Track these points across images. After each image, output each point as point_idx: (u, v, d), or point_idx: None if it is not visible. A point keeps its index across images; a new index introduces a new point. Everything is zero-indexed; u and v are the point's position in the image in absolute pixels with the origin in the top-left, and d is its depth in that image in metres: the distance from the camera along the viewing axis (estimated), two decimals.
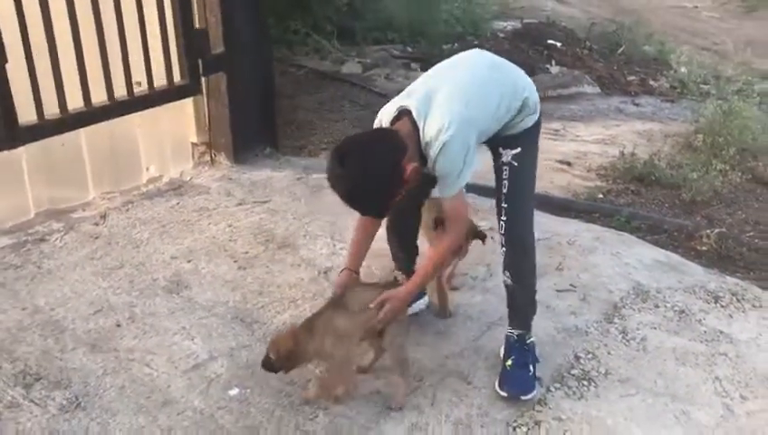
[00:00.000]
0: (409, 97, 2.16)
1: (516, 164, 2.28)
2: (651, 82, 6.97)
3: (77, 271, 2.77)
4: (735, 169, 4.51)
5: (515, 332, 2.34)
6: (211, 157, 3.48)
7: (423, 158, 2.12)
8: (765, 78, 7.47)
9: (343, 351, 2.06)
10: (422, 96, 2.13)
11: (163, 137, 3.30)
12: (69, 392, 2.13)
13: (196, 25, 2.96)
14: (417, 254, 2.60)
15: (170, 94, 2.99)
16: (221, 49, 3.03)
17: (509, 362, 2.29)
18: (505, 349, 2.34)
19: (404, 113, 2.13)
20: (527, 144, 2.34)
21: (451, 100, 2.10)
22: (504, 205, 2.28)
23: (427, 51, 7.12)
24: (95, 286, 2.68)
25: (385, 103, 2.27)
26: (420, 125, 2.09)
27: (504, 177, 2.28)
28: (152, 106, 2.99)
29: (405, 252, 2.61)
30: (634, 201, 4.13)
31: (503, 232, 2.30)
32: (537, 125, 2.35)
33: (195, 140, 3.46)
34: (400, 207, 2.25)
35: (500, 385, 2.24)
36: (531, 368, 2.28)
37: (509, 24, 9.57)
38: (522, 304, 2.37)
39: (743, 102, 5.31)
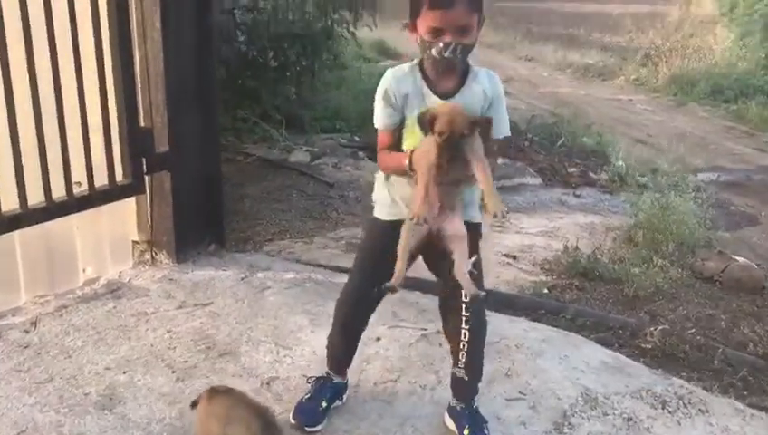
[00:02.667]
0: None
1: (476, 272, 2.28)
2: (591, 175, 7.19)
3: (1, 386, 2.59)
4: (675, 265, 4.63)
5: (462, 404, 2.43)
6: (152, 256, 3.37)
7: None
8: (697, 171, 7.83)
9: None
10: None
11: (102, 236, 3.17)
12: None
13: (142, 124, 2.92)
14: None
15: (112, 194, 2.90)
16: (165, 148, 2.99)
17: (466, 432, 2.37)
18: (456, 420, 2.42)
19: None
20: (478, 248, 2.35)
21: None
22: (466, 314, 2.28)
23: (373, 139, 7.21)
24: (20, 404, 2.50)
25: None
26: None
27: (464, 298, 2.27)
28: (92, 207, 2.90)
29: (348, 355, 2.55)
30: (579, 297, 4.17)
31: (466, 340, 2.30)
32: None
33: (136, 238, 3.36)
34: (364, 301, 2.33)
35: None
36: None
37: None
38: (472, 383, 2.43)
39: (679, 198, 5.51)
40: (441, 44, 2.05)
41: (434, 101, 2.16)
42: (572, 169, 7.24)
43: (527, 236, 5.12)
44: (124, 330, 2.97)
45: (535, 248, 4.85)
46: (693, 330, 3.83)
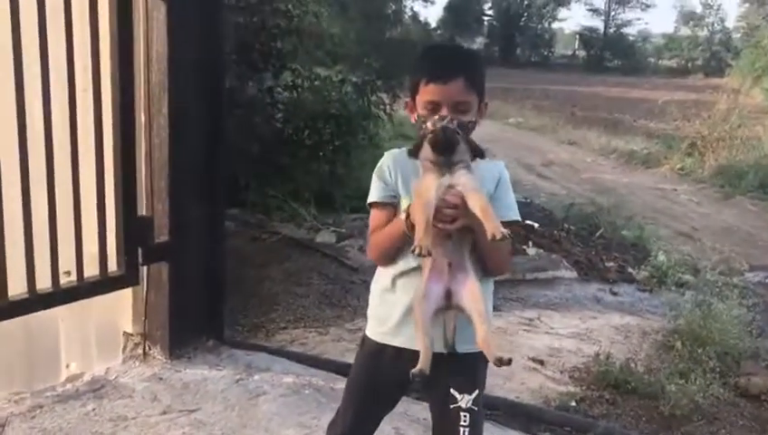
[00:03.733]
0: None
1: (476, 409, 2.02)
2: (630, 270, 6.85)
3: None
4: (717, 380, 4.24)
5: None
6: (144, 350, 3.17)
7: None
8: (744, 271, 7.41)
9: None
10: None
11: (90, 328, 2.97)
12: None
13: (141, 213, 2.77)
14: None
15: (102, 286, 2.73)
16: (165, 238, 2.84)
17: None
18: None
19: None
20: (482, 380, 2.09)
21: None
22: None
23: None
24: None
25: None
26: None
27: (464, 423, 2.00)
28: (80, 299, 2.73)
29: None
30: (609, 412, 3.82)
31: None
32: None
33: (129, 329, 3.17)
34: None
35: None
36: None
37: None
38: None
39: (722, 303, 5.15)
40: (436, 116, 1.92)
41: None
42: (610, 264, 6.91)
43: (557, 338, 4.80)
44: None
45: (564, 353, 4.53)
46: None
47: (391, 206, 2.02)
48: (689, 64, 45.60)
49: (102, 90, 2.52)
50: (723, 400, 4.07)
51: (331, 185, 7.90)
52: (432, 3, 55.75)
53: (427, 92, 1.94)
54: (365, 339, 2.16)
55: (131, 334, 3.14)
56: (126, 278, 2.73)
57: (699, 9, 46.78)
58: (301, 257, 6.19)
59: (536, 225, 7.40)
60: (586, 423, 3.54)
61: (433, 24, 39.71)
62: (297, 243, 6.53)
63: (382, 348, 2.06)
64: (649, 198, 11.83)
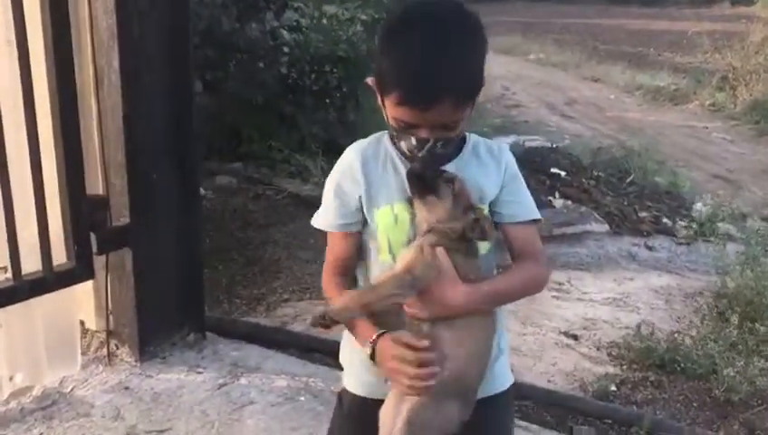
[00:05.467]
0: None
1: None
2: (665, 220, 6.31)
3: None
4: None
5: None
6: (109, 352, 2.69)
7: None
8: None
9: None
10: None
11: (39, 328, 2.45)
12: None
13: (94, 191, 2.26)
14: None
15: (46, 283, 2.23)
16: (126, 220, 2.34)
17: None
18: None
19: None
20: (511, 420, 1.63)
21: None
22: None
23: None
24: None
25: None
26: None
27: None
28: (19, 301, 2.26)
29: None
30: (654, 397, 3.37)
31: None
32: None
33: (92, 325, 2.70)
34: None
35: None
36: None
37: (510, 140, 9.11)
38: None
39: None
40: (414, 140, 1.41)
41: None
42: (644, 214, 6.36)
43: (591, 306, 4.31)
44: None
45: (600, 324, 4.06)
46: None
47: (355, 230, 1.55)
48: None
49: (31, 40, 1.98)
50: None
51: (340, 134, 7.35)
52: None
53: (399, 112, 1.39)
54: (343, 395, 1.70)
55: (96, 331, 2.68)
56: (77, 272, 2.23)
57: None
58: (306, 216, 5.68)
59: (563, 173, 6.84)
60: (630, 416, 3.08)
61: None
62: (303, 200, 6.05)
63: (369, 403, 1.57)
64: (679, 138, 11.18)
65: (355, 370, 1.64)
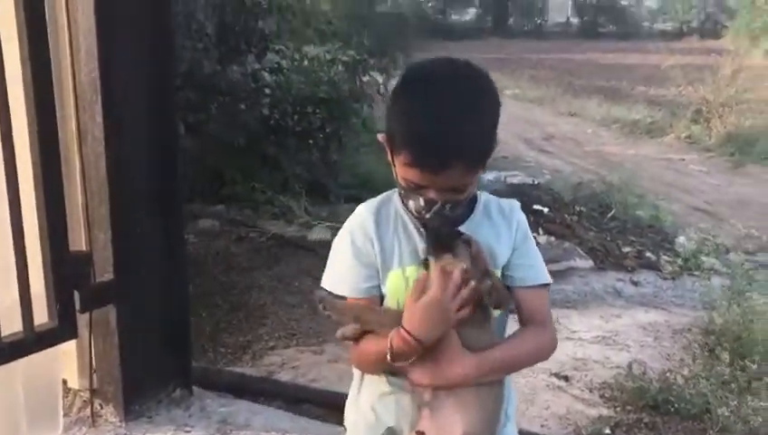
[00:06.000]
0: None
1: None
2: (648, 255, 6.33)
3: None
4: (766, 389, 3.74)
5: None
6: (92, 411, 2.59)
7: None
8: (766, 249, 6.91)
9: None
10: None
11: (18, 390, 2.32)
12: None
13: (77, 247, 2.19)
14: None
15: (28, 345, 2.13)
16: (110, 275, 2.28)
17: None
18: None
19: None
20: None
21: None
22: None
23: None
24: None
25: None
26: None
27: None
28: None
29: None
30: None
31: None
32: None
33: (75, 384, 2.61)
34: None
35: None
36: None
37: (491, 177, 9.16)
38: None
39: (760, 295, 4.61)
40: (422, 201, 1.39)
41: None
42: (627, 249, 6.39)
43: (580, 345, 4.29)
44: None
45: (591, 364, 4.03)
46: None
47: (378, 293, 1.50)
48: (684, 27, 44.85)
49: (12, 96, 1.93)
50: None
51: (323, 174, 7.35)
52: None
53: (409, 173, 1.37)
54: None
55: (79, 391, 2.59)
56: (59, 331, 2.15)
57: None
58: (292, 259, 5.67)
59: (545, 209, 6.87)
60: None
61: None
62: (288, 242, 6.01)
63: None
64: (658, 171, 11.33)
65: (360, 433, 1.59)
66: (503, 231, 1.51)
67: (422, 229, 1.44)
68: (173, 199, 2.42)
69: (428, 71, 1.40)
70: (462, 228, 1.46)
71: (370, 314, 1.43)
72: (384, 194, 1.57)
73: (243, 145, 6.89)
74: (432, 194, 1.37)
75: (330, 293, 1.50)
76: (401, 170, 1.38)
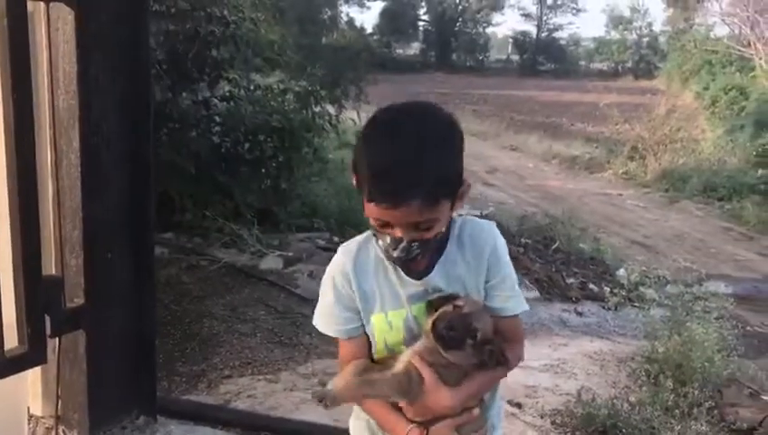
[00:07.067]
0: None
1: None
2: (591, 286, 6.58)
3: None
4: (704, 415, 3.92)
5: None
6: None
7: None
8: (702, 281, 7.24)
9: None
10: None
11: None
12: None
13: (48, 272, 2.19)
14: None
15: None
16: (81, 301, 2.27)
17: None
18: None
19: None
20: None
21: None
22: None
23: None
24: None
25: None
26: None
27: None
28: None
29: None
30: None
31: None
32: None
33: (38, 411, 2.56)
34: None
35: None
36: None
37: None
38: None
39: (699, 326, 4.84)
40: (389, 239, 1.43)
41: (408, 284, 1.53)
42: (571, 280, 6.63)
43: (531, 373, 4.40)
44: None
45: (541, 391, 4.14)
46: None
47: (361, 334, 1.56)
48: (619, 67, 46.80)
49: None
50: None
51: (274, 203, 7.36)
52: (368, 8, 55.65)
53: (371, 209, 1.41)
54: None
55: (42, 417, 2.55)
56: (29, 356, 2.12)
57: (628, 13, 47.92)
58: (244, 288, 5.65)
59: None
60: None
61: (369, 30, 39.45)
62: (239, 271, 5.98)
63: None
64: (597, 205, 11.75)
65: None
66: (473, 261, 1.53)
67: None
68: (145, 225, 2.43)
69: (393, 113, 1.45)
70: (436, 268, 1.51)
71: (366, 389, 1.48)
72: (361, 235, 1.60)
73: (194, 173, 6.84)
74: (398, 232, 1.40)
75: (320, 332, 1.58)
76: (366, 208, 1.42)
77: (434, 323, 1.43)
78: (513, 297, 1.56)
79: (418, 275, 1.52)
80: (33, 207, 2.01)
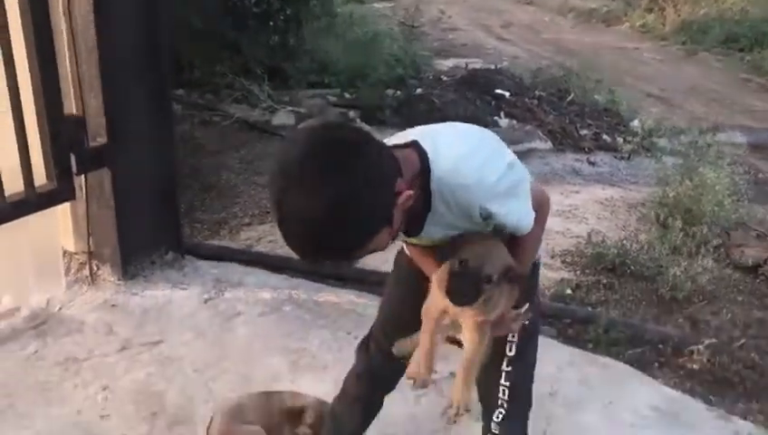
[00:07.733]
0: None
1: (528, 322, 1.66)
2: (605, 137, 6.55)
3: None
4: (711, 253, 4.03)
5: None
6: (91, 272, 2.69)
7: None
8: (716, 130, 7.19)
9: None
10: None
11: (24, 250, 2.46)
12: None
13: (72, 111, 2.21)
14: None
15: (30, 205, 2.21)
16: (103, 139, 2.31)
17: None
18: None
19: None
20: (533, 289, 1.78)
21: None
22: (508, 369, 1.73)
23: (366, 97, 6.52)
24: None
25: None
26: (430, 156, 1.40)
27: (511, 338, 1.70)
28: (3, 222, 2.22)
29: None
30: (607, 298, 3.60)
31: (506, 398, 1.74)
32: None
33: (71, 247, 2.68)
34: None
35: None
36: None
37: (450, 64, 9.16)
38: None
39: (712, 172, 4.86)
40: None
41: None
42: (585, 132, 6.58)
43: None
44: (44, 389, 2.28)
45: (552, 234, 4.25)
46: (743, 340, 3.29)
47: None
48: None
49: None
50: (719, 276, 3.88)
51: (283, 59, 7.23)
52: None
53: None
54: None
55: (75, 253, 2.67)
56: (59, 193, 2.20)
57: None
58: (258, 143, 5.68)
59: (507, 93, 6.95)
60: (588, 315, 3.30)
61: None
62: (253, 126, 5.99)
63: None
64: (613, 58, 11.43)
65: None
66: (460, 211, 1.44)
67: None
68: (161, 68, 2.43)
69: (290, 165, 1.28)
70: (427, 223, 1.46)
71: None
72: None
73: (200, 28, 6.69)
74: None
75: None
76: None
77: (447, 292, 1.42)
78: (522, 219, 1.50)
79: (416, 232, 1.50)
80: (48, 44, 2.00)
